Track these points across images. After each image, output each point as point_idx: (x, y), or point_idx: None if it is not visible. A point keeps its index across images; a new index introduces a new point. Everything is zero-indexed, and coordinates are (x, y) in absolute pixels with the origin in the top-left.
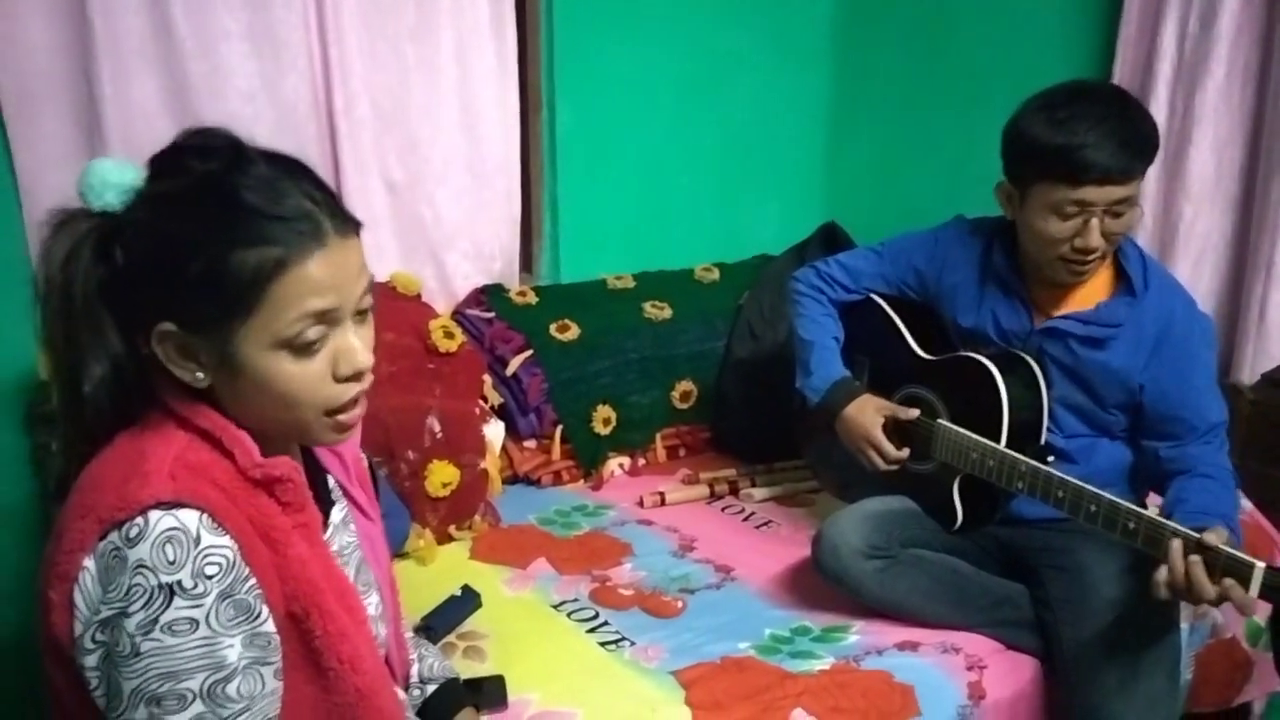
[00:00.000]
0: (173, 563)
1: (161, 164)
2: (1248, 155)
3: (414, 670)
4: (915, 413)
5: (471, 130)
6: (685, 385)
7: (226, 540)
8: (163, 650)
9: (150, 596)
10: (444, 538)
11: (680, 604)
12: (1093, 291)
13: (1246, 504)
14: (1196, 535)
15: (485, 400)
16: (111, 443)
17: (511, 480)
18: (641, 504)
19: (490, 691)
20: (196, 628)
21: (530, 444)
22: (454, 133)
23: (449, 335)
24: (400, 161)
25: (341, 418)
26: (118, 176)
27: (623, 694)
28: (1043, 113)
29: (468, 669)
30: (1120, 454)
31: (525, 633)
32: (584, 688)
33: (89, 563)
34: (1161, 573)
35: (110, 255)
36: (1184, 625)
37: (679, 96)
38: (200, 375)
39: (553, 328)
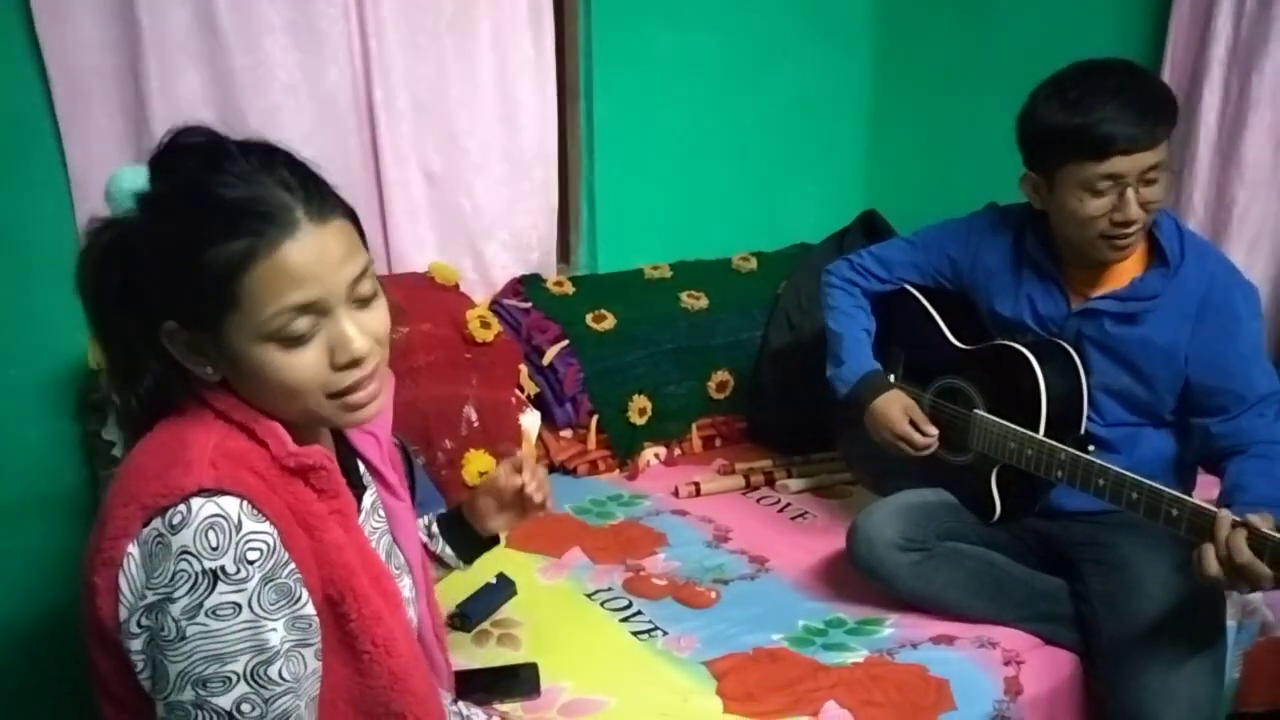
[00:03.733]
0: (215, 548)
1: (155, 165)
2: None
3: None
4: (935, 431)
5: (509, 120)
6: (721, 375)
7: (267, 526)
8: (207, 634)
9: (195, 581)
10: None
11: (714, 594)
12: (1128, 268)
13: None
14: (1241, 517)
15: (522, 390)
16: (153, 430)
17: (548, 469)
18: (677, 494)
19: (524, 679)
20: (240, 612)
21: (566, 433)
22: (492, 123)
23: (485, 325)
24: (439, 152)
25: (348, 399)
26: (134, 183)
27: (655, 683)
28: (1055, 98)
29: (502, 657)
30: (1164, 443)
31: (559, 621)
32: (616, 677)
33: (133, 549)
34: (1207, 549)
35: (126, 261)
36: (1231, 623)
37: (717, 85)
38: (210, 370)
39: (589, 318)
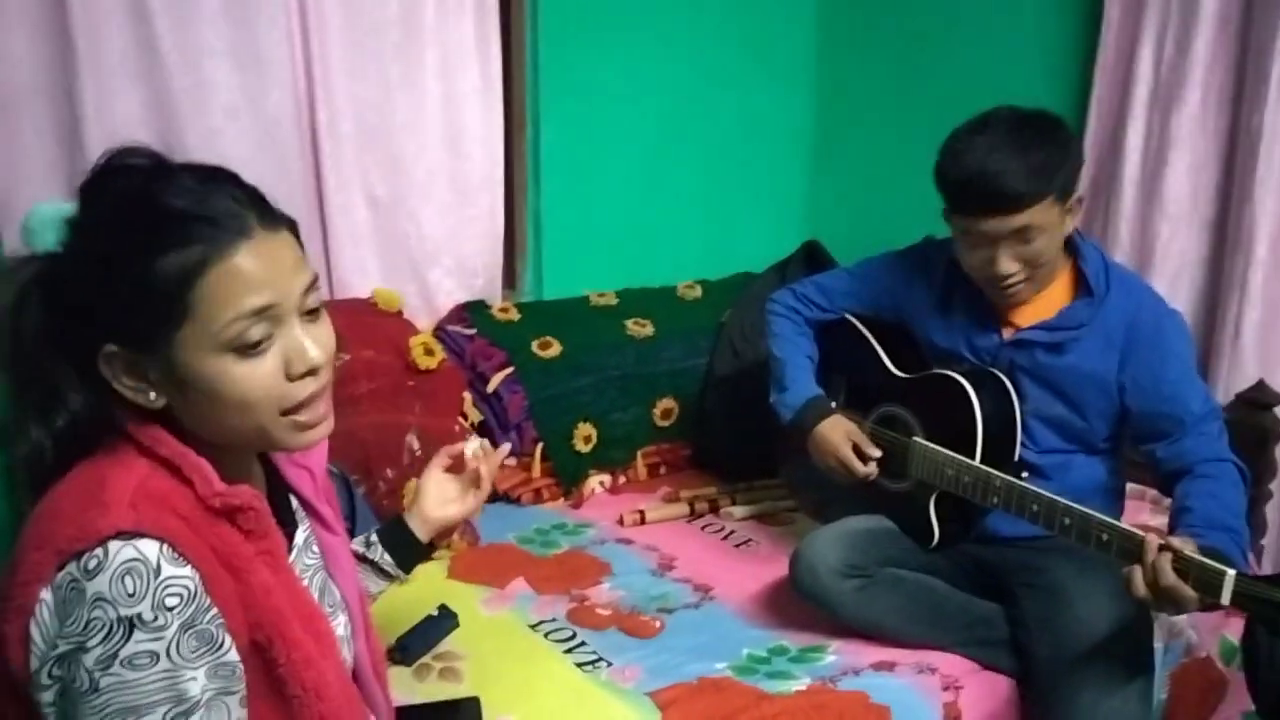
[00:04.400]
0: (132, 595)
1: (88, 190)
2: (1222, 177)
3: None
4: (879, 453)
5: (455, 146)
6: (667, 403)
7: (188, 571)
8: (122, 685)
9: (109, 630)
10: None
11: (658, 624)
12: (1054, 299)
13: None
14: (1166, 542)
15: (465, 417)
16: (71, 471)
17: (491, 498)
18: (621, 522)
19: (466, 714)
20: (157, 661)
21: (510, 462)
22: (438, 149)
23: (429, 352)
24: (383, 178)
25: (300, 417)
26: (55, 215)
27: (599, 715)
28: (949, 143)
29: (444, 691)
30: (1095, 470)
31: (502, 653)
32: (560, 710)
33: (46, 595)
34: (1135, 571)
35: (55, 296)
36: (1158, 645)
37: (662, 114)
38: (153, 396)
39: (535, 344)
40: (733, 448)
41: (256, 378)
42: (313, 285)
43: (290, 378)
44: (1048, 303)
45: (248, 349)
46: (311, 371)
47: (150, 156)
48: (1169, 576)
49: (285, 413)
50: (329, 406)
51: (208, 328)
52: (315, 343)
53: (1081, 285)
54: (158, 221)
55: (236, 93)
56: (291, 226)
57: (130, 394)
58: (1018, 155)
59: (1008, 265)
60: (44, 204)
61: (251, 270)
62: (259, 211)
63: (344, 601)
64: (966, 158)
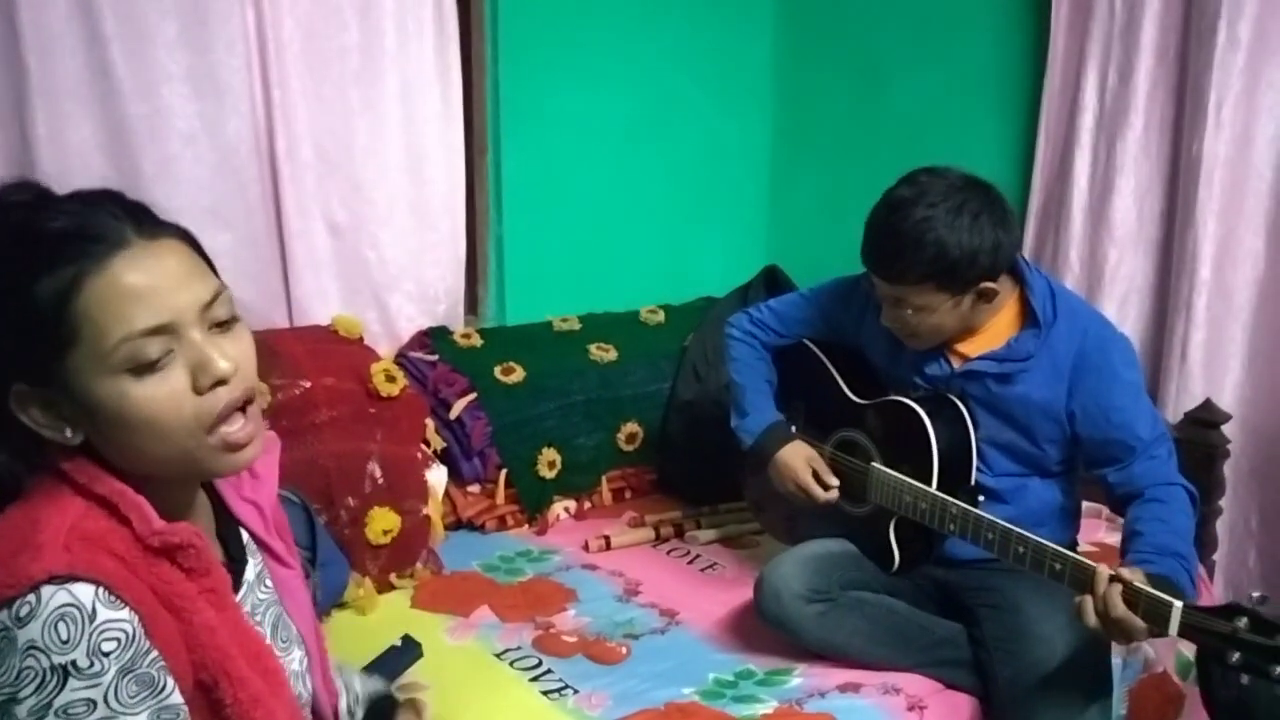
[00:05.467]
0: (66, 641)
1: None
2: (1167, 202)
3: (342, 703)
4: (836, 482)
5: (416, 172)
6: (631, 427)
7: (125, 614)
8: None
9: (43, 679)
10: (385, 586)
11: (624, 650)
12: (1001, 330)
13: None
14: (1116, 574)
15: (428, 445)
16: (1, 515)
17: (455, 526)
18: (587, 548)
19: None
20: (94, 709)
21: (474, 489)
22: (398, 175)
23: (390, 379)
24: (343, 204)
25: (225, 433)
26: None
27: None
28: (889, 188)
29: None
30: (1050, 494)
31: (467, 683)
32: None
33: None
34: (1085, 602)
35: None
36: (1117, 660)
37: (623, 140)
38: (69, 432)
39: (497, 370)
40: (697, 471)
41: (161, 397)
42: (216, 299)
43: (199, 391)
44: (994, 334)
45: (145, 369)
46: (221, 382)
47: (34, 189)
48: (1119, 609)
49: (208, 430)
50: (258, 425)
51: (96, 349)
52: (223, 355)
53: (1028, 315)
54: (33, 246)
55: (194, 119)
56: (182, 235)
57: (47, 433)
58: (891, 239)
59: (890, 319)
60: None
61: (132, 284)
62: (135, 222)
63: (299, 635)
64: (881, 208)
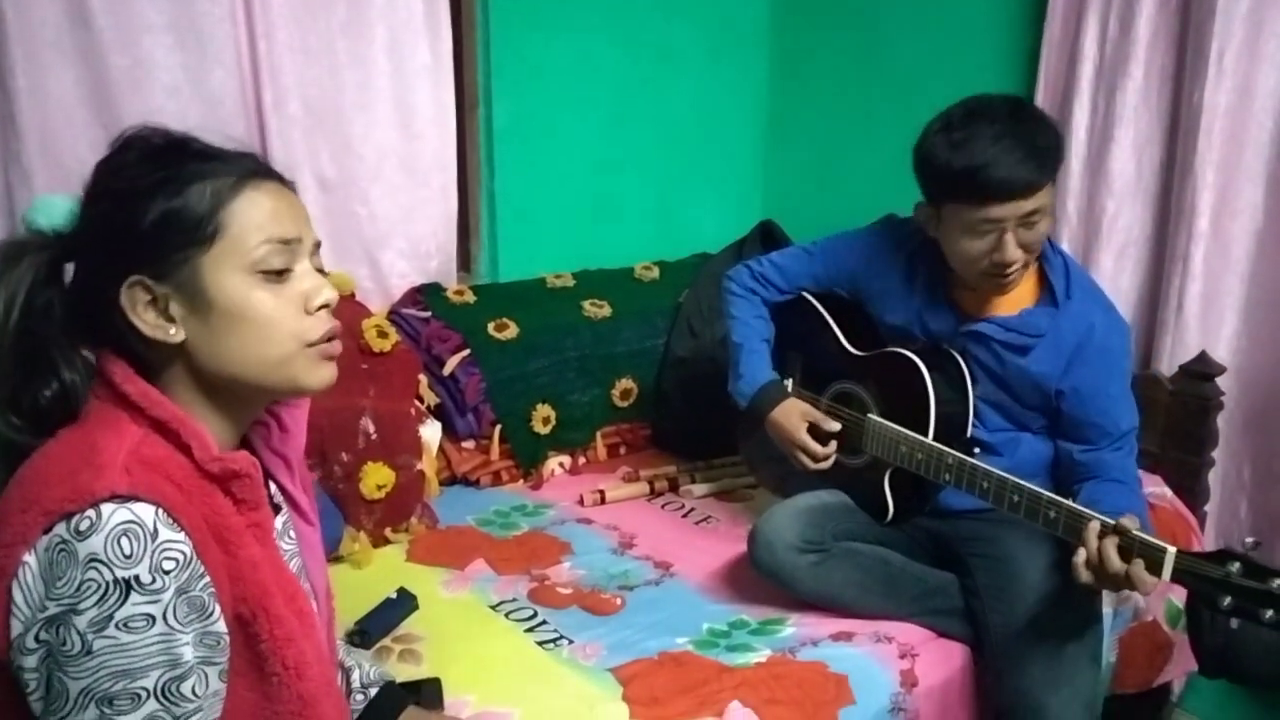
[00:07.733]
0: (129, 556)
1: (107, 159)
2: (1165, 153)
3: (355, 677)
4: (837, 426)
5: (406, 127)
6: (625, 383)
7: (182, 536)
8: (117, 647)
9: (105, 591)
10: (380, 541)
11: (619, 601)
12: (1017, 298)
13: (1166, 491)
14: (1113, 520)
15: (421, 400)
16: (54, 438)
17: (450, 482)
18: (581, 502)
19: (427, 694)
20: (153, 624)
21: (468, 444)
22: (388, 129)
23: (383, 335)
24: (333, 159)
25: (324, 347)
26: (64, 204)
27: (560, 692)
28: (942, 135)
29: (404, 672)
30: (1042, 448)
31: (462, 634)
32: (521, 687)
33: (29, 558)
34: (1080, 554)
35: (71, 251)
36: (1107, 610)
37: (616, 93)
38: (173, 330)
39: (491, 327)
40: (691, 427)
41: (278, 305)
42: (319, 246)
43: (307, 310)
44: (1011, 300)
45: (272, 274)
46: (325, 307)
47: (175, 130)
48: (1114, 563)
49: (310, 344)
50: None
51: (236, 247)
52: (329, 287)
53: (1045, 289)
54: (189, 160)
55: (177, 71)
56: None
57: (149, 329)
58: (1025, 141)
59: (1014, 252)
60: (52, 195)
61: (275, 205)
62: (272, 172)
63: (314, 592)
64: (973, 146)
